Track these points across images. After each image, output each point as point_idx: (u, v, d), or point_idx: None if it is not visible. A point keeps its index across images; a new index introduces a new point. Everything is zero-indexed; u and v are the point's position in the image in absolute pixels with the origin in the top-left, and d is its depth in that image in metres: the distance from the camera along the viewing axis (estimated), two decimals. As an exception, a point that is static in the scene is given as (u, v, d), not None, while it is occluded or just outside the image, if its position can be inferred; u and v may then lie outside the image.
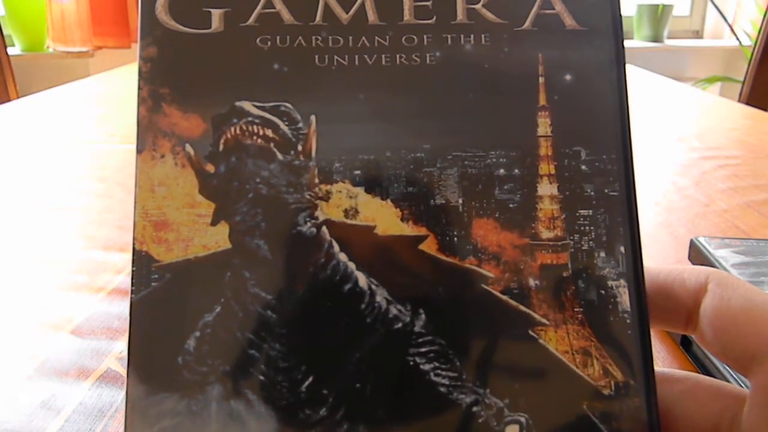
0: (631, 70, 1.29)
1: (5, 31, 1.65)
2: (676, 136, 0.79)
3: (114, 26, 1.94)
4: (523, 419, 0.16)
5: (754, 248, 0.37)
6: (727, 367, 0.28)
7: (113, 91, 1.08)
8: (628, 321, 0.17)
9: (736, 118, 0.90)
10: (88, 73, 1.94)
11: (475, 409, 0.16)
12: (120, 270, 0.44)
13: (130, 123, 0.86)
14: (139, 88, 0.18)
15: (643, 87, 1.14)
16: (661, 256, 0.46)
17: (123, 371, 0.32)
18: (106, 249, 0.47)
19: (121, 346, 0.35)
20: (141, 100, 0.18)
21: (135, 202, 0.17)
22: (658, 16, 2.20)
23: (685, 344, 0.32)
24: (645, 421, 0.17)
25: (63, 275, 0.43)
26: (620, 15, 0.19)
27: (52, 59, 2.00)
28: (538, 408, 0.16)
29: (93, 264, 0.45)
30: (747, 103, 1.28)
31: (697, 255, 0.38)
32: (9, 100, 1.41)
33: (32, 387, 0.31)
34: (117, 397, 0.31)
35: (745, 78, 1.41)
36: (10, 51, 1.64)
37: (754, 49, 1.39)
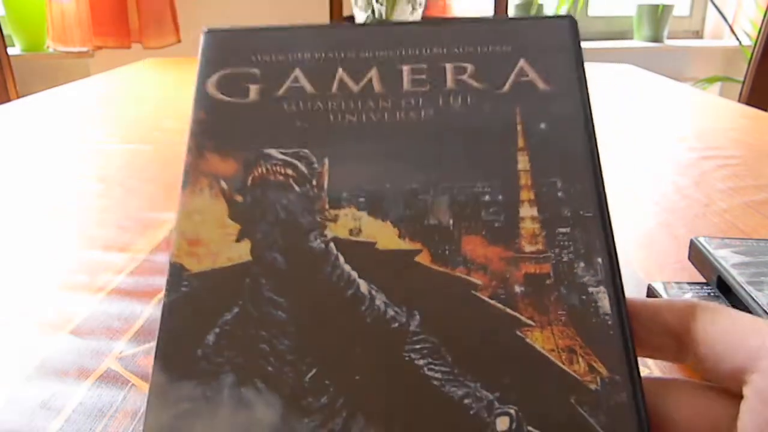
0: (631, 70, 1.29)
1: (5, 31, 1.65)
2: (676, 136, 0.79)
3: (114, 26, 1.94)
4: (512, 411, 0.17)
5: (754, 248, 0.37)
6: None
7: (113, 91, 1.08)
8: (609, 322, 0.18)
9: (735, 118, 0.90)
10: (88, 73, 1.94)
11: (466, 401, 0.17)
12: (120, 270, 0.44)
13: (129, 123, 0.86)
14: (189, 141, 0.22)
15: (643, 87, 1.14)
16: (661, 256, 0.46)
17: (123, 371, 0.33)
18: (106, 249, 0.47)
19: (121, 346, 0.35)
20: (189, 150, 0.22)
21: (175, 226, 0.21)
22: (658, 16, 2.20)
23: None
24: (633, 414, 0.17)
25: (63, 275, 0.43)
26: (585, 76, 0.23)
27: (52, 59, 2.00)
28: (527, 401, 0.17)
29: (93, 264, 0.45)
30: (747, 103, 1.28)
31: (697, 255, 0.38)
32: (9, 100, 1.41)
33: (32, 387, 0.31)
34: (117, 397, 0.31)
35: (745, 78, 1.41)
36: (10, 51, 1.64)
37: (754, 49, 1.39)
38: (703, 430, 0.17)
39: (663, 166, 0.68)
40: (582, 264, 0.19)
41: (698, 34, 2.39)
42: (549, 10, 2.26)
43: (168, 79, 1.17)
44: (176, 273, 0.20)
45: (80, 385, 0.31)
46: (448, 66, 0.23)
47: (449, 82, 0.23)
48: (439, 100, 0.22)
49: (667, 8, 2.19)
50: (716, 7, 2.18)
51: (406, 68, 0.23)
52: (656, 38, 2.24)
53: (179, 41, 2.01)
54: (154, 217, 0.53)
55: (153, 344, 0.34)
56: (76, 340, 0.35)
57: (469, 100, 0.22)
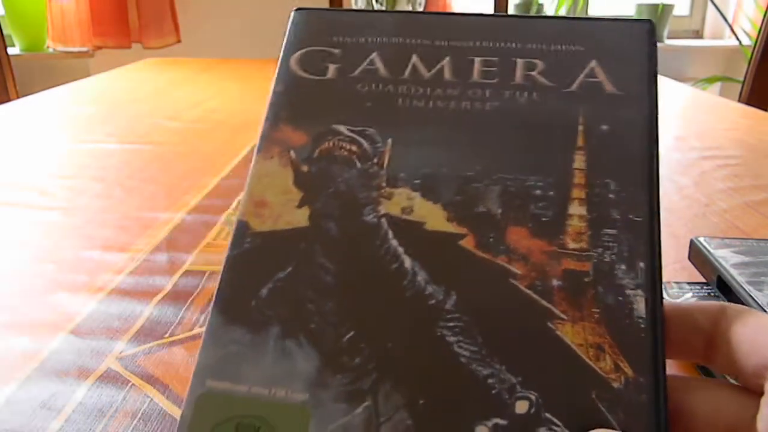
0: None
1: (5, 31, 1.65)
2: (676, 136, 0.80)
3: (114, 26, 1.94)
4: (533, 397, 0.18)
5: (754, 248, 0.37)
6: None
7: (113, 91, 1.08)
8: (642, 326, 0.19)
9: (735, 118, 0.90)
10: (88, 73, 1.94)
11: (490, 381, 0.18)
12: (120, 270, 0.44)
13: (129, 123, 0.86)
14: (267, 111, 0.24)
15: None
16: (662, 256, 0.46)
17: (123, 371, 0.33)
18: (106, 249, 0.47)
19: (121, 346, 0.35)
20: (266, 119, 0.23)
21: (246, 187, 0.22)
22: (658, 16, 2.20)
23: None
24: (652, 416, 0.17)
25: (62, 275, 0.43)
26: (656, 83, 0.22)
27: (52, 59, 2.00)
28: (549, 389, 0.18)
29: (93, 264, 0.45)
30: (747, 103, 1.28)
31: (697, 255, 0.38)
32: (9, 100, 1.41)
33: (32, 387, 0.31)
34: (117, 397, 0.31)
35: (745, 78, 1.41)
36: (10, 51, 1.64)
37: (754, 49, 1.39)
38: (723, 426, 0.17)
39: (663, 166, 0.68)
40: (623, 266, 0.19)
41: (698, 34, 2.39)
42: (549, 10, 2.26)
43: (168, 79, 1.17)
44: (241, 230, 0.21)
45: (80, 385, 0.31)
46: (519, 61, 0.23)
47: (518, 77, 0.23)
48: (506, 94, 0.23)
49: (667, 8, 2.19)
50: (716, 6, 2.18)
51: (477, 60, 0.24)
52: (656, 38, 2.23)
53: (179, 41, 2.01)
54: (154, 217, 0.53)
55: (153, 344, 0.35)
56: (76, 340, 0.35)
57: (535, 95, 0.23)
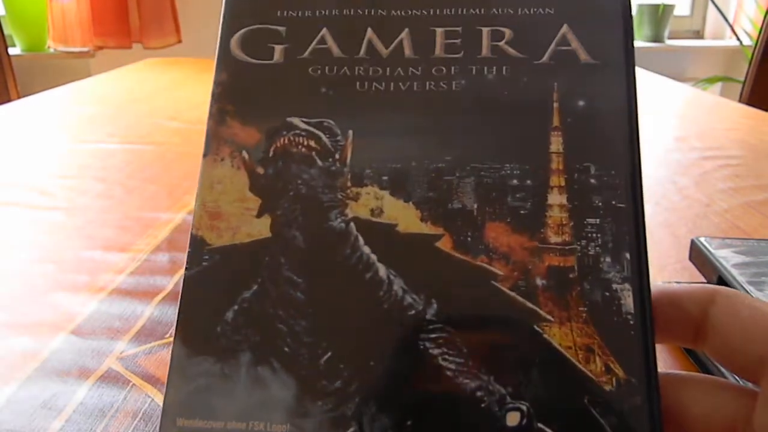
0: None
1: (6, 31, 1.65)
2: (676, 136, 0.79)
3: (115, 26, 1.93)
4: (524, 407, 0.17)
5: (754, 248, 0.37)
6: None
7: (113, 91, 1.08)
8: (631, 322, 0.18)
9: (736, 118, 0.90)
10: (88, 73, 1.93)
11: (478, 393, 0.17)
12: (120, 270, 0.44)
13: (130, 123, 0.86)
14: (211, 106, 0.21)
15: (644, 87, 1.14)
16: (662, 256, 0.46)
17: (124, 371, 0.33)
18: (106, 249, 0.47)
19: (122, 346, 0.35)
20: (210, 115, 0.21)
21: (196, 196, 0.20)
22: (658, 16, 2.20)
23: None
24: (646, 419, 0.17)
25: (63, 275, 0.43)
26: (633, 49, 0.21)
27: (52, 59, 2.00)
28: (540, 398, 0.17)
29: (93, 264, 0.45)
30: (747, 104, 1.28)
31: (697, 255, 0.38)
32: (9, 100, 1.41)
33: (33, 387, 0.31)
34: (117, 397, 0.31)
35: (745, 78, 1.41)
36: (11, 51, 1.63)
37: (754, 49, 1.39)
38: (720, 425, 0.17)
39: (664, 166, 0.68)
40: (608, 258, 0.18)
41: (699, 34, 2.39)
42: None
43: (168, 79, 1.17)
44: (197, 246, 0.19)
45: (81, 385, 0.31)
46: (485, 30, 0.21)
47: (484, 49, 0.21)
48: (473, 70, 0.21)
49: (668, 8, 2.19)
50: (717, 7, 2.18)
51: (439, 31, 0.21)
52: (657, 38, 2.23)
53: (180, 41, 2.01)
54: (154, 217, 0.53)
55: (154, 344, 0.35)
56: (77, 340, 0.35)
57: (504, 70, 0.21)
